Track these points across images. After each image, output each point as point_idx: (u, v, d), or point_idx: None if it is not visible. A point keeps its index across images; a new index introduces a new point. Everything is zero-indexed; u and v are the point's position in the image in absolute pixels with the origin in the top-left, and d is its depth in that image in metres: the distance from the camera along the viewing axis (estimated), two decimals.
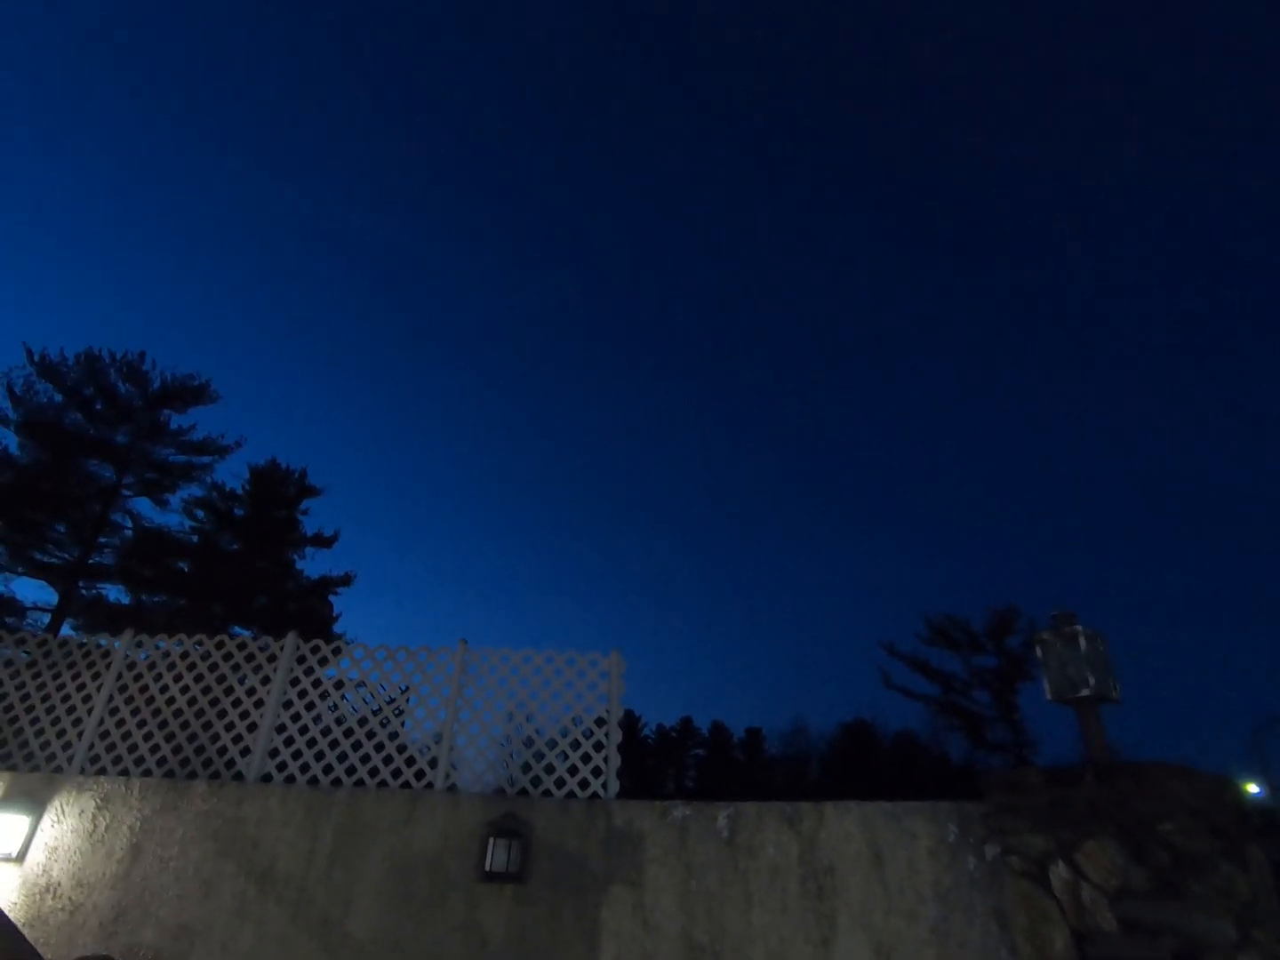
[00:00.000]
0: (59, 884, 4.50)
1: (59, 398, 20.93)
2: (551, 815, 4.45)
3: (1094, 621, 4.16)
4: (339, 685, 5.47)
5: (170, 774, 5.05)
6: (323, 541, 25.37)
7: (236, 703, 5.28)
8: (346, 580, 24.98)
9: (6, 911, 4.25)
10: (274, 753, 5.04)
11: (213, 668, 5.40)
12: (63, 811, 4.74)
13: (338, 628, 24.64)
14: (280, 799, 4.67)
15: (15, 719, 5.39)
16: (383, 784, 4.86)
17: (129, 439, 21.79)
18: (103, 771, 5.04)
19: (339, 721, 5.19)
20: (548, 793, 4.74)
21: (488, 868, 4.18)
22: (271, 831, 4.55)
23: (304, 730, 5.13)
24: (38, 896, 4.47)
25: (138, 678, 5.38)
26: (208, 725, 5.22)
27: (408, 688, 5.24)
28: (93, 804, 4.75)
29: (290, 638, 5.41)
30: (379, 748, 5.00)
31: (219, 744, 5.14)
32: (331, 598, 24.88)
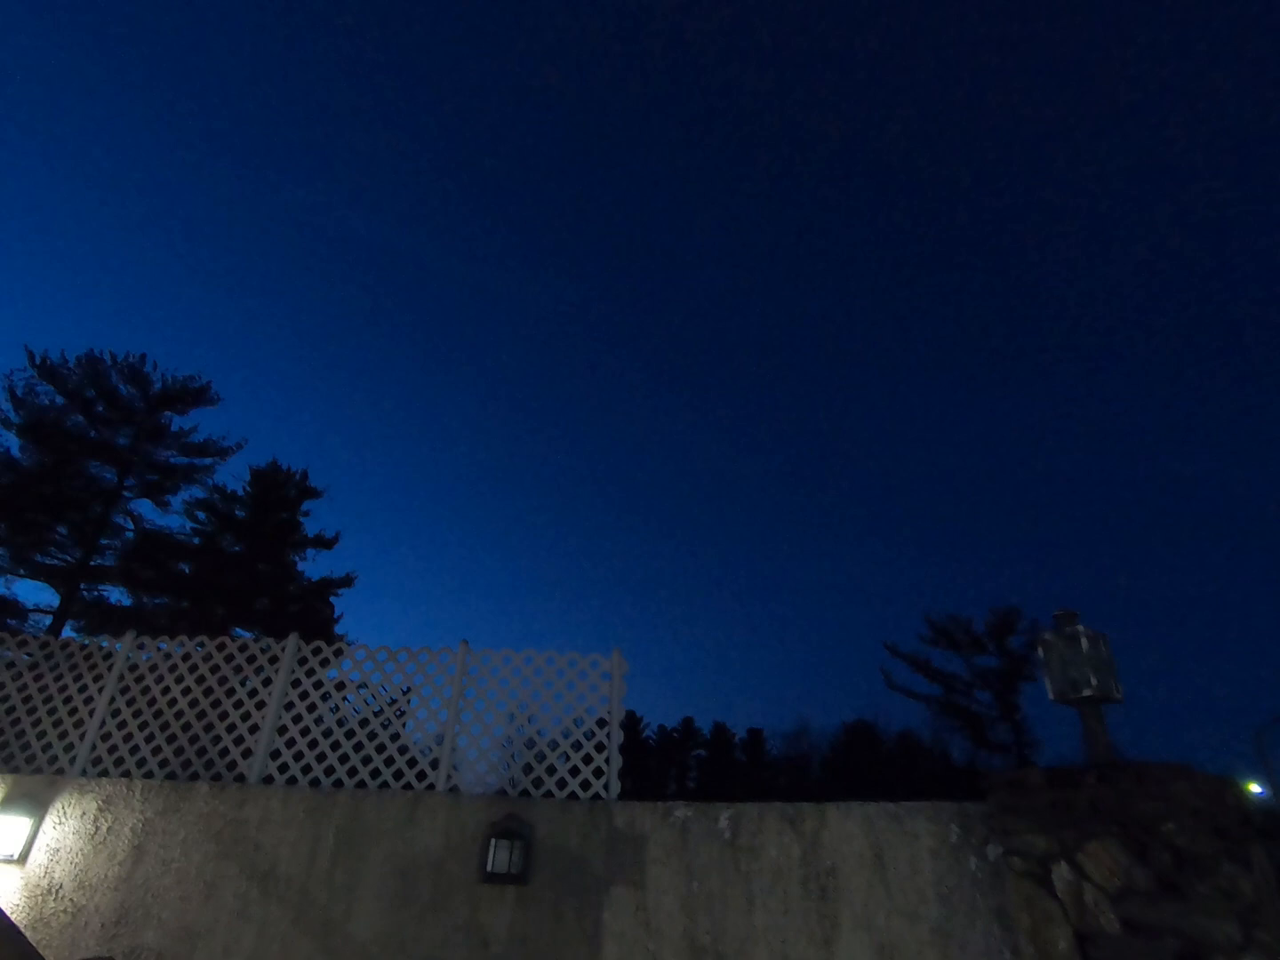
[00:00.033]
0: (61, 886, 4.50)
1: (60, 400, 20.98)
2: (553, 816, 4.45)
3: (1096, 621, 4.16)
4: (340, 686, 5.47)
5: (172, 775, 5.06)
6: (324, 543, 25.40)
7: (238, 704, 5.28)
8: (348, 581, 25.03)
9: (9, 913, 4.27)
10: (276, 754, 5.05)
11: (214, 669, 5.40)
12: (65, 813, 4.74)
13: (339, 629, 24.69)
14: (282, 800, 4.67)
15: (17, 720, 5.39)
16: (384, 785, 4.86)
17: (130, 441, 21.84)
18: (105, 773, 5.04)
19: (340, 722, 5.19)
20: (549, 794, 4.74)
21: (489, 869, 4.18)
22: (273, 833, 4.55)
23: (305, 731, 5.13)
24: (40, 898, 4.47)
25: (139, 679, 5.39)
26: (209, 727, 5.22)
27: (409, 689, 5.24)
28: (95, 806, 4.75)
29: (292, 639, 5.41)
30: (380, 749, 5.00)
31: (221, 745, 5.14)
32: (333, 599, 24.93)
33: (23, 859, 4.59)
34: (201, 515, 23.72)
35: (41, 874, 4.55)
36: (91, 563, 20.56)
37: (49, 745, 5.24)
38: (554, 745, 4.96)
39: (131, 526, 21.72)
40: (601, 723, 4.95)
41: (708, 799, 5.87)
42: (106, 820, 4.69)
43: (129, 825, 4.66)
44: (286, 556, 24.63)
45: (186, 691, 5.33)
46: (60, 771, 5.06)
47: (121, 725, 5.24)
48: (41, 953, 3.69)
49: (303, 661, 5.37)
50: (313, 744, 5.07)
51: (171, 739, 5.18)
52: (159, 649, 5.55)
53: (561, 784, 4.79)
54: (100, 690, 5.34)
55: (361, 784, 4.88)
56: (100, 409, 21.49)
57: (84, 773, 5.02)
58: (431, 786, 4.80)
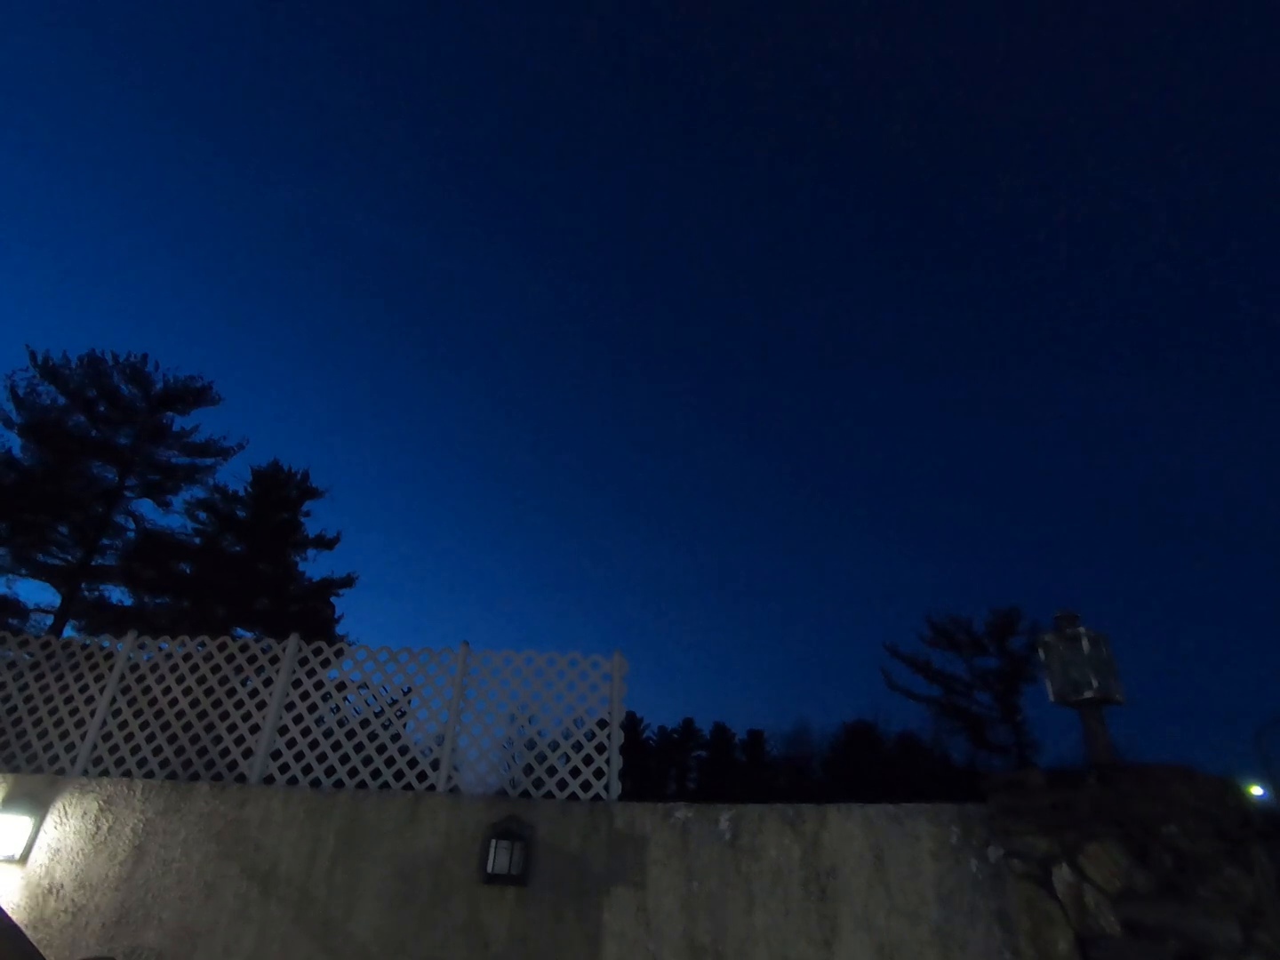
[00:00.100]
0: (62, 885, 4.50)
1: (62, 400, 21.03)
2: (554, 817, 4.45)
3: (1097, 623, 4.16)
4: (341, 686, 5.47)
5: (173, 775, 5.06)
6: (325, 543, 25.44)
7: (239, 704, 5.29)
8: (348, 582, 25.05)
9: (9, 913, 4.27)
10: (276, 754, 5.05)
11: (215, 669, 5.41)
12: (65, 813, 4.74)
13: (340, 629, 24.72)
14: (283, 800, 4.68)
15: (18, 720, 5.40)
16: (385, 786, 4.87)
17: (132, 441, 21.88)
18: (105, 773, 5.05)
19: (341, 723, 5.19)
20: (550, 795, 4.74)
21: (490, 870, 4.18)
22: (274, 833, 4.56)
23: (306, 732, 5.13)
24: (41, 898, 4.48)
25: (140, 679, 5.39)
26: (210, 727, 5.22)
27: (410, 689, 5.24)
28: (95, 805, 4.75)
29: (293, 639, 5.42)
30: (381, 749, 5.01)
31: (221, 745, 5.15)
32: (333, 599, 24.97)
33: (24, 859, 4.59)
34: (202, 515, 23.79)
35: (42, 874, 4.55)
36: (93, 562, 20.60)
37: (50, 745, 5.25)
38: (554, 746, 4.96)
39: (133, 526, 21.79)
40: (602, 723, 4.95)
41: (708, 800, 5.87)
42: (107, 820, 4.69)
43: (130, 825, 4.66)
44: (287, 557, 24.66)
45: (187, 691, 5.34)
46: (61, 771, 5.07)
47: (122, 725, 5.25)
48: (42, 952, 3.69)
49: (304, 662, 5.38)
50: (313, 744, 5.07)
51: (172, 739, 5.18)
52: (160, 649, 5.56)
53: (562, 785, 4.79)
54: (101, 690, 5.34)
55: (362, 784, 4.88)
56: (102, 409, 21.53)
57: (85, 772, 5.02)
58: (432, 787, 4.80)
